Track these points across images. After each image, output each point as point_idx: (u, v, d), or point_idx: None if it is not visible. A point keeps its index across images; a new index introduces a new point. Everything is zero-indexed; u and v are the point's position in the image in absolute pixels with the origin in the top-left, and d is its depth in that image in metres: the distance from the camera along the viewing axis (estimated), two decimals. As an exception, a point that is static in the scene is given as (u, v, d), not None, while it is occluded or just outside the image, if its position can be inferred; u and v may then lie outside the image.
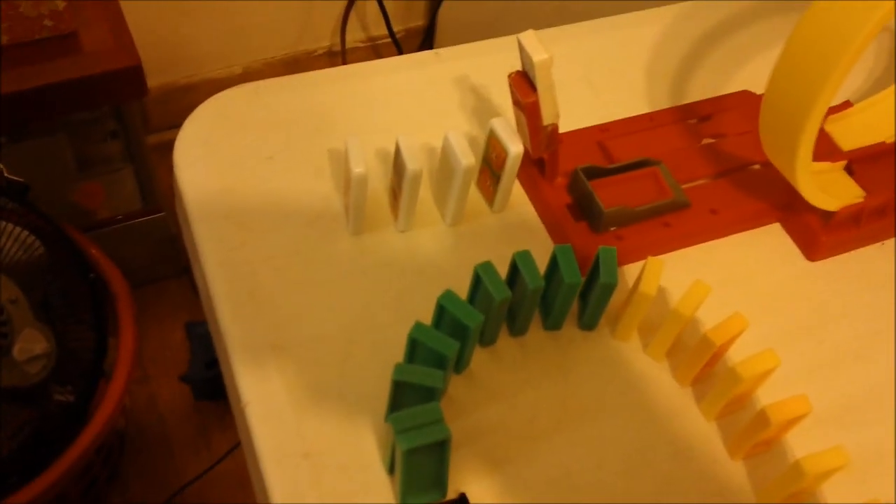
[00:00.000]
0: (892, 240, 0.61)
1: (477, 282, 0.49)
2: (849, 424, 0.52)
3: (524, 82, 0.52)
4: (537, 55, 0.50)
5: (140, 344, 1.36)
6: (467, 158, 0.52)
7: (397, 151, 0.52)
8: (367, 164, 0.51)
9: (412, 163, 0.51)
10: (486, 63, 0.68)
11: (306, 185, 0.58)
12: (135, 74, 1.06)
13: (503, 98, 0.65)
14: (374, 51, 1.68)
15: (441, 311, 0.47)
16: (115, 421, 1.07)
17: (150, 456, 1.28)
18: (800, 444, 0.50)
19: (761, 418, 0.46)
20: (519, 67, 0.53)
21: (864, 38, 0.46)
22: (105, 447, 1.10)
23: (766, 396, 0.51)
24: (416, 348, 0.46)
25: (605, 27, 0.73)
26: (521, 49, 0.51)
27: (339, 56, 1.64)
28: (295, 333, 0.51)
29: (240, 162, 0.59)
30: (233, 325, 0.51)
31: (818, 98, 0.48)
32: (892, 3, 0.45)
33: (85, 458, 0.95)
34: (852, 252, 0.60)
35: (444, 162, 0.54)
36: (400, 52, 1.67)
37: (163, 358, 1.38)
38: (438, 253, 0.56)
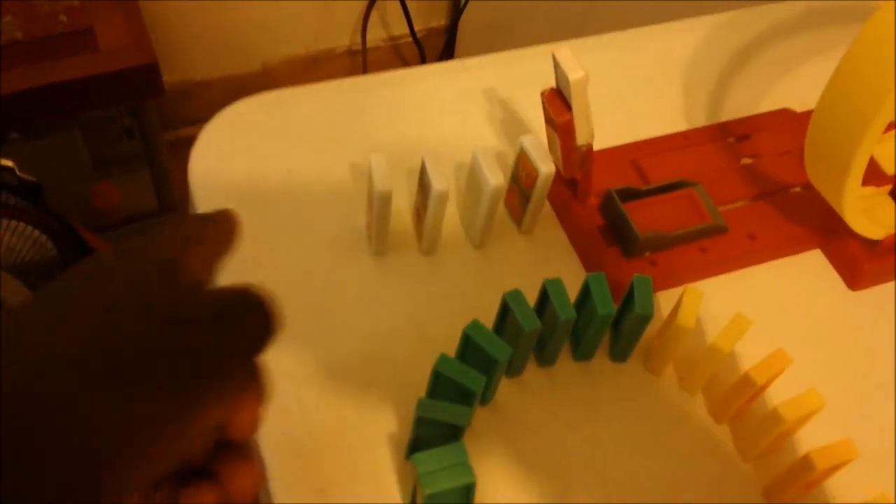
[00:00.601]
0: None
1: (505, 310, 0.46)
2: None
3: (558, 100, 0.50)
4: (573, 73, 0.47)
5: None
6: (496, 178, 0.49)
7: (423, 170, 0.50)
8: (391, 183, 0.49)
9: (439, 183, 0.48)
10: (513, 73, 0.65)
11: (326, 201, 0.56)
12: (151, 73, 1.03)
13: (531, 111, 0.63)
14: (395, 50, 1.66)
15: (467, 342, 0.45)
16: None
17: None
18: (842, 485, 0.47)
19: (805, 464, 0.43)
20: (551, 82, 0.51)
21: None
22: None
23: (807, 433, 0.48)
24: (439, 381, 0.43)
25: (637, 38, 0.70)
26: (557, 66, 0.48)
27: (360, 55, 1.62)
28: (312, 360, 0.48)
29: (257, 175, 0.56)
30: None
31: (875, 118, 0.45)
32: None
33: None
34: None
35: (472, 181, 0.52)
36: (421, 52, 1.65)
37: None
38: (464, 276, 0.53)
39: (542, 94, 0.51)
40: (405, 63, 1.70)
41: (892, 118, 0.47)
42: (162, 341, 0.27)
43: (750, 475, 0.48)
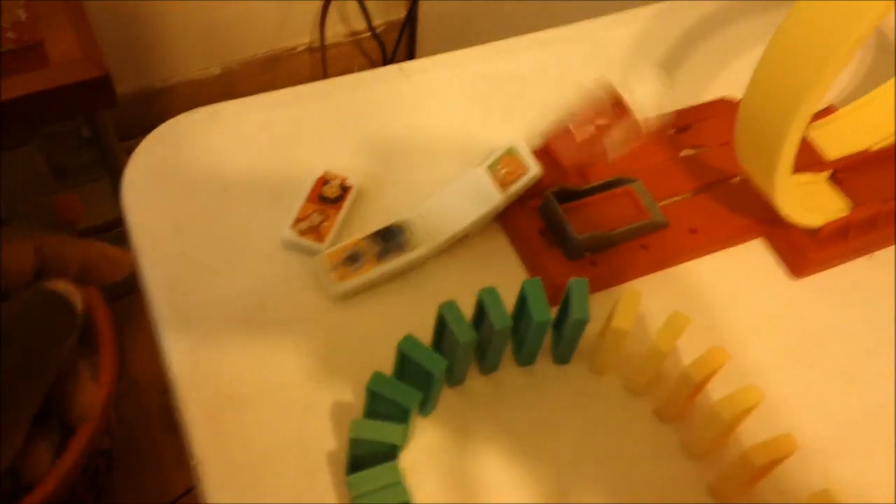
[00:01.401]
0: (882, 252, 0.58)
1: (442, 322, 0.46)
2: (845, 453, 0.49)
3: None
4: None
5: (126, 358, 1.34)
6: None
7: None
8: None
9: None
10: (452, 75, 0.64)
11: (265, 219, 0.55)
12: (102, 85, 1.02)
13: (467, 115, 0.62)
14: (357, 45, 1.65)
15: (401, 357, 0.44)
16: (99, 442, 1.04)
17: (139, 470, 1.26)
18: (794, 478, 0.48)
19: (744, 460, 0.43)
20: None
21: (858, 39, 0.42)
22: (90, 468, 1.08)
23: (754, 427, 0.48)
24: (375, 399, 0.43)
25: (576, 32, 0.70)
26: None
27: (320, 52, 1.61)
28: (251, 384, 0.48)
29: (194, 195, 0.56)
30: (186, 376, 0.48)
31: (802, 105, 0.45)
32: (890, 0, 0.42)
33: (67, 482, 0.93)
34: (840, 266, 0.58)
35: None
36: (382, 47, 1.64)
37: (150, 369, 1.36)
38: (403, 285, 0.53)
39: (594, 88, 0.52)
40: (367, 58, 1.69)
41: (819, 104, 0.47)
42: None
43: (698, 474, 0.48)
